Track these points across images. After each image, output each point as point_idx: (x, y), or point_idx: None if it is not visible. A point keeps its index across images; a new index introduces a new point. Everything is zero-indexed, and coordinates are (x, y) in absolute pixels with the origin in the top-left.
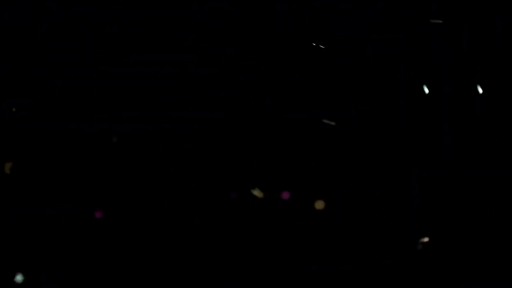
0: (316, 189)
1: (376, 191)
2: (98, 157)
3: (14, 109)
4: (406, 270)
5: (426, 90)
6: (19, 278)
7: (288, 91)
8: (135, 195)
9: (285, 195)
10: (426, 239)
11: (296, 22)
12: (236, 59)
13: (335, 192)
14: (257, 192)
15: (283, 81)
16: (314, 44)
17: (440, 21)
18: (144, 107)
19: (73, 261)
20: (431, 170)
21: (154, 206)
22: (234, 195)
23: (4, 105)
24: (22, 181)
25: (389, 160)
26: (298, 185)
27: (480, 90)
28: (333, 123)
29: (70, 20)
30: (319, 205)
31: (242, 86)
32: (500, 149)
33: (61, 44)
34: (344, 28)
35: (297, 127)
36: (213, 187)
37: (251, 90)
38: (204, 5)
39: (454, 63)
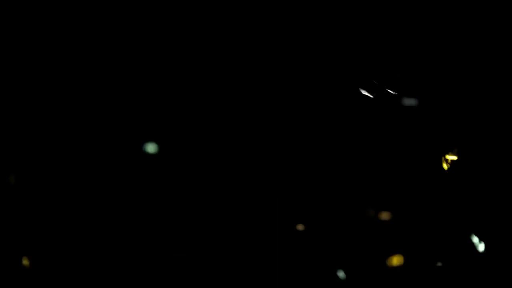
0: (317, 189)
1: (376, 191)
2: (98, 157)
3: (17, 109)
4: (407, 270)
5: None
6: None
7: (288, 91)
8: (135, 195)
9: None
10: None
11: (296, 22)
12: (236, 59)
13: (335, 192)
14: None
15: (283, 81)
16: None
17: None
18: (144, 107)
19: (73, 261)
20: (431, 170)
21: (154, 206)
22: (234, 196)
23: (4, 105)
24: (22, 181)
25: (389, 160)
26: (298, 186)
27: None
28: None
29: (70, 20)
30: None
31: (242, 86)
32: (500, 149)
33: (61, 44)
34: (344, 28)
35: (297, 127)
36: (215, 188)
37: (251, 90)
38: (204, 5)
39: (454, 63)
